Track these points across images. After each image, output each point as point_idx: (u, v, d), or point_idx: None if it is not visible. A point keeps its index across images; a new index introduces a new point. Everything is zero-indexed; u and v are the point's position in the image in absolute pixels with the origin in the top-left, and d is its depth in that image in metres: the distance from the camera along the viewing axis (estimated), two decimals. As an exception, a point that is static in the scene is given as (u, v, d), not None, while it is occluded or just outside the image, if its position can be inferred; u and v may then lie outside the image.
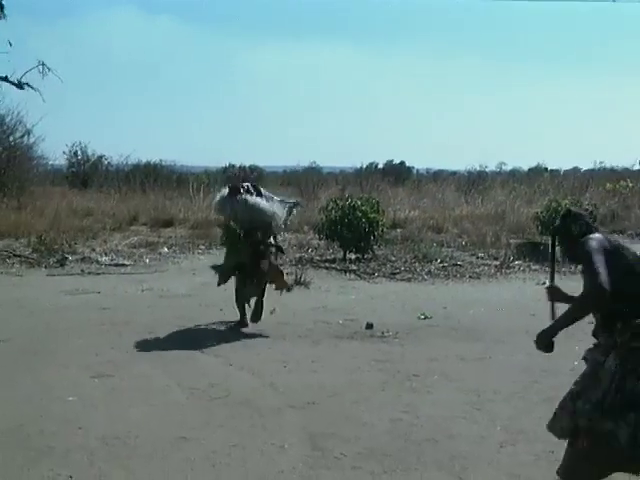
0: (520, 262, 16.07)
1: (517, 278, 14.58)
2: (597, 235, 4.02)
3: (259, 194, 10.01)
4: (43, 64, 5.36)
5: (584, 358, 4.14)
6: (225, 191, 10.12)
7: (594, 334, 4.10)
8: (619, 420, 3.78)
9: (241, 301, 9.94)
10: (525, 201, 26.17)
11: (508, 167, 47.75)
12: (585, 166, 49.91)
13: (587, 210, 4.00)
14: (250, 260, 9.66)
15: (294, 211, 11.00)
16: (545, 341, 4.00)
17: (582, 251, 3.94)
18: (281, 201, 10.43)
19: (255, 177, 10.10)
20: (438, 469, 5.42)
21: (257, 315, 9.88)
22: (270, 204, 9.93)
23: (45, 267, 15.66)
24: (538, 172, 44.66)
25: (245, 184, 10.18)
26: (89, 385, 7.49)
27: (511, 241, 18.68)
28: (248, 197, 9.76)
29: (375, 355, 8.66)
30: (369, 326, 9.89)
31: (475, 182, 33.54)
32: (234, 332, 9.65)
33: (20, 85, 5.50)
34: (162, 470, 5.42)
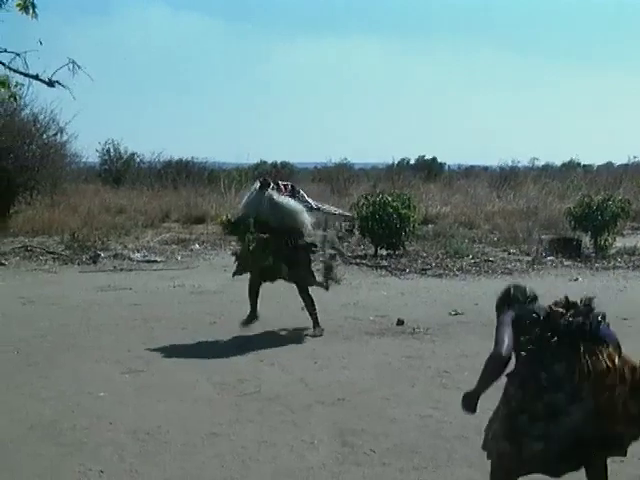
0: (552, 258, 15.94)
1: (549, 274, 14.45)
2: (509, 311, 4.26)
3: (293, 196, 9.73)
4: (73, 62, 5.44)
5: None
6: (256, 185, 9.78)
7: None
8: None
9: (253, 294, 9.61)
10: (557, 196, 25.97)
11: (541, 162, 47.09)
12: (619, 161, 49.30)
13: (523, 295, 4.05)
14: (273, 263, 9.32)
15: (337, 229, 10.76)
16: (470, 403, 4.20)
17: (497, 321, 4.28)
18: (319, 209, 10.20)
19: (285, 174, 9.78)
20: (468, 466, 5.39)
21: (314, 321, 9.59)
22: (299, 206, 9.57)
23: (78, 264, 15.78)
24: (571, 167, 44.22)
25: (283, 183, 9.99)
26: (120, 381, 7.54)
27: (543, 237, 18.51)
28: (274, 194, 9.46)
29: (406, 351, 8.64)
30: (400, 322, 9.86)
31: (507, 178, 33.31)
32: (246, 325, 9.49)
33: (51, 83, 5.56)
34: (192, 465, 5.44)
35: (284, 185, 9.86)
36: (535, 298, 4.34)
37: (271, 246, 9.25)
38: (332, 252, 10.11)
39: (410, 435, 6.02)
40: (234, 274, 9.80)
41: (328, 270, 9.91)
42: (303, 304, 9.60)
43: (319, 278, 9.79)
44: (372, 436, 5.98)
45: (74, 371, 7.82)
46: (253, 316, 9.55)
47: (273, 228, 9.31)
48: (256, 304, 9.56)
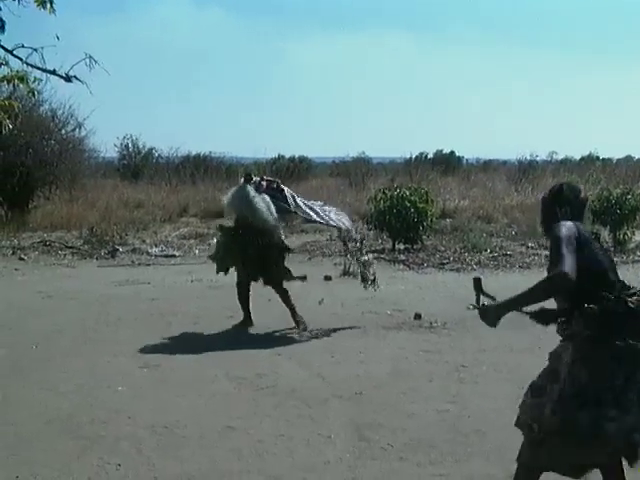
0: (570, 252, 15.85)
1: (567, 268, 14.38)
2: (569, 223, 3.96)
3: (273, 194, 9.53)
4: (90, 57, 5.44)
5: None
6: (241, 181, 9.61)
7: (557, 331, 4.17)
8: (578, 412, 3.79)
9: (243, 298, 9.48)
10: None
11: (559, 156, 46.90)
12: (638, 154, 49.02)
13: (580, 196, 3.83)
14: (252, 263, 9.26)
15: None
16: (496, 315, 4.03)
17: (552, 235, 3.91)
18: (311, 208, 9.92)
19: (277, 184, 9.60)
20: (486, 460, 5.38)
21: (299, 323, 9.39)
22: (266, 206, 9.26)
23: (96, 258, 15.86)
24: (590, 161, 43.92)
25: (267, 179, 9.84)
26: (138, 375, 7.57)
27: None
28: (250, 190, 9.26)
29: (423, 346, 8.63)
30: (417, 316, 9.85)
31: (525, 171, 33.22)
32: (240, 331, 9.36)
33: (68, 78, 5.55)
34: (210, 459, 5.45)
35: (267, 181, 9.72)
36: (586, 200, 4.23)
37: (239, 243, 9.28)
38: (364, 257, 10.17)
39: (427, 429, 6.01)
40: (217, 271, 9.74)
41: (364, 273, 9.99)
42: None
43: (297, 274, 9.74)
44: (389, 430, 5.97)
45: (92, 365, 7.85)
46: (247, 321, 9.45)
47: (249, 224, 9.21)
48: (248, 308, 9.48)
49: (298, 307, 9.50)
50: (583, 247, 3.87)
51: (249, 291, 9.49)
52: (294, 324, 9.36)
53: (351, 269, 13.24)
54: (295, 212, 9.81)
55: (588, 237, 4.00)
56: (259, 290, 9.50)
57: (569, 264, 3.70)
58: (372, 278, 9.95)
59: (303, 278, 9.79)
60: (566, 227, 3.90)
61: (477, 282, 4.28)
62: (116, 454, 5.53)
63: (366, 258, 10.17)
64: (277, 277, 9.42)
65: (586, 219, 4.28)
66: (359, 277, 10.09)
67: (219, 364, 7.90)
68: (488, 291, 4.19)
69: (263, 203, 9.24)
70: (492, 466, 5.27)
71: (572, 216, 4.06)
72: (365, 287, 9.95)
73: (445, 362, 7.94)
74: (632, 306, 3.80)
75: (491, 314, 4.05)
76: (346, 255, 10.31)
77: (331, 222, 10.12)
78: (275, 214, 9.36)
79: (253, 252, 9.15)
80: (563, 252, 3.77)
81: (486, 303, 4.10)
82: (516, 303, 3.97)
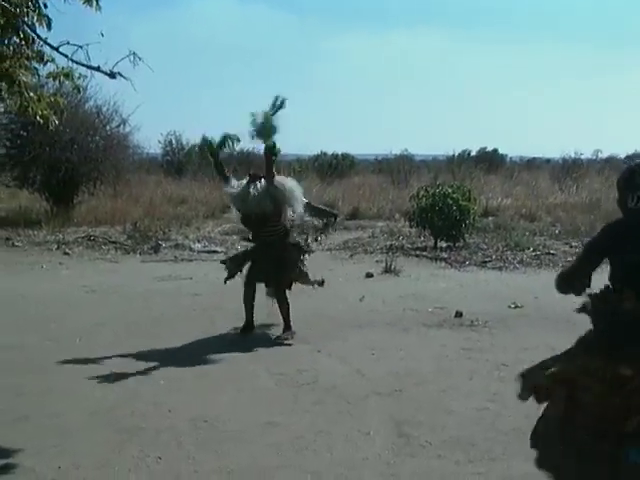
0: (615, 252, 15.69)
1: (611, 268, 14.24)
2: (612, 225, 3.89)
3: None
4: (134, 54, 5.48)
5: None
6: (243, 181, 9.23)
7: None
8: None
9: (250, 300, 9.13)
10: (622, 189, 25.56)
11: (604, 154, 46.44)
12: (686, 153, 48.31)
13: None
14: (262, 263, 8.99)
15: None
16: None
17: None
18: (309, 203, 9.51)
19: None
20: (525, 460, 5.32)
21: (286, 323, 9.05)
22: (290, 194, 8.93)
23: (139, 253, 16.00)
24: (635, 159, 43.44)
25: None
26: (180, 369, 7.62)
27: (606, 230, 18.25)
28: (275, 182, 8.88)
29: (464, 344, 8.59)
30: (458, 314, 9.81)
31: (570, 170, 32.93)
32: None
33: (112, 75, 5.60)
34: (249, 454, 5.48)
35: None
36: None
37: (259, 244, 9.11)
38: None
39: (466, 428, 5.99)
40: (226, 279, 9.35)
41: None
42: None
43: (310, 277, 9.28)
44: (428, 428, 5.96)
45: (134, 359, 7.92)
46: (249, 326, 9.13)
47: (256, 222, 8.94)
48: (252, 313, 9.12)
49: (340, 304, 9.51)
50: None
51: (255, 292, 9.13)
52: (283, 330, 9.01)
53: (393, 266, 13.24)
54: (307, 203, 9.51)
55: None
56: (302, 286, 9.47)
57: (563, 273, 3.84)
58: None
59: (321, 283, 9.41)
60: (603, 231, 3.88)
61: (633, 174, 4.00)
62: (156, 447, 5.58)
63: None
64: (289, 280, 9.09)
65: None
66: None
67: (260, 360, 7.95)
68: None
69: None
70: (531, 466, 5.20)
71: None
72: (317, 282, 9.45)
73: (486, 360, 7.90)
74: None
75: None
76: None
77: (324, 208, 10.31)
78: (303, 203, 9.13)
79: (273, 253, 8.87)
80: (574, 260, 3.82)
81: None
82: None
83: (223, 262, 9.58)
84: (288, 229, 9.14)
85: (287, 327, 9.00)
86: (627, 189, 3.82)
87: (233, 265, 9.31)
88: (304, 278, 9.16)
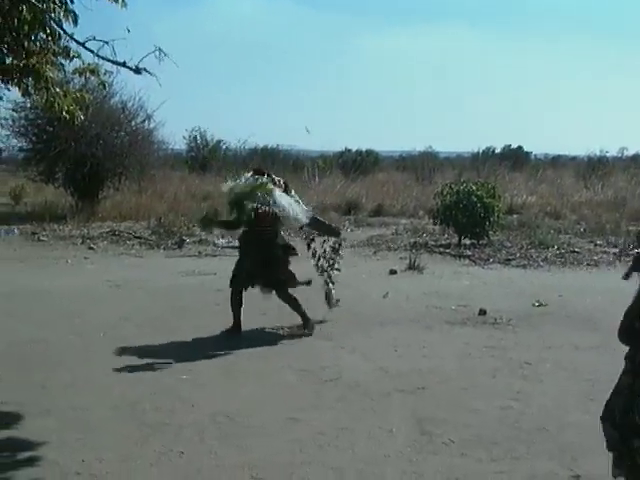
0: (641, 250, 15.61)
1: (637, 266, 14.14)
2: None
3: (286, 192, 9.13)
4: (160, 50, 5.49)
5: None
6: (248, 175, 9.14)
7: None
8: None
9: (237, 303, 8.99)
10: (647, 187, 25.42)
11: (630, 152, 46.11)
12: None
13: None
14: (264, 265, 8.80)
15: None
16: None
17: None
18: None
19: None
20: (548, 459, 5.33)
21: (303, 318, 8.97)
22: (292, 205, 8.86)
23: (163, 249, 16.06)
24: (662, 157, 43.14)
25: (276, 178, 9.24)
26: (202, 364, 7.65)
27: (631, 228, 18.16)
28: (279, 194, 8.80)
29: (487, 341, 8.56)
30: (482, 312, 9.78)
31: (595, 168, 32.75)
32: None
33: (137, 70, 5.62)
34: (271, 449, 5.49)
35: (278, 179, 9.24)
36: None
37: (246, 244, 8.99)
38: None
39: (489, 426, 5.97)
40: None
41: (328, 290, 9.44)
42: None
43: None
44: (451, 426, 5.94)
45: (157, 353, 7.96)
46: (237, 329, 8.95)
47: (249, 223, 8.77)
48: (240, 313, 8.96)
49: (364, 300, 9.48)
50: None
51: (242, 297, 8.99)
52: (301, 325, 8.97)
53: (416, 263, 13.20)
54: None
55: None
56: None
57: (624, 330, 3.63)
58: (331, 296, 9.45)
59: (308, 283, 9.29)
60: None
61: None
62: (179, 442, 5.60)
63: (335, 272, 9.55)
64: (283, 280, 9.01)
65: None
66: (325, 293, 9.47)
67: (283, 355, 7.96)
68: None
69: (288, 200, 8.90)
70: (554, 464, 5.22)
71: None
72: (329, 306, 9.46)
73: (509, 359, 7.87)
74: None
75: None
76: (316, 263, 9.50)
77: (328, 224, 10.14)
78: (304, 210, 9.08)
79: (258, 253, 8.79)
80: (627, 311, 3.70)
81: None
82: None
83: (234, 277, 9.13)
84: (279, 230, 9.05)
85: (305, 321, 8.97)
86: None
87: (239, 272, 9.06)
88: (292, 280, 9.06)
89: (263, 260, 8.76)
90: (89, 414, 6.16)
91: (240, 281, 8.95)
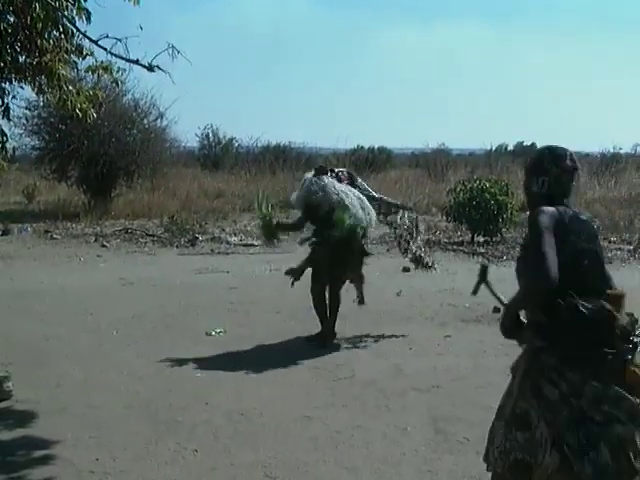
0: (655, 247, 15.53)
1: (652, 263, 14.10)
2: (550, 210, 3.39)
3: (353, 184, 8.85)
4: (173, 47, 5.48)
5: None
6: (309, 175, 8.93)
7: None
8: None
9: (323, 305, 8.63)
10: (661, 184, 25.30)
11: (644, 148, 45.82)
12: None
13: (563, 163, 3.26)
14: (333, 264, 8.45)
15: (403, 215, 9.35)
16: (506, 324, 3.73)
17: (529, 226, 3.41)
18: (381, 199, 9.20)
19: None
20: (565, 457, 5.28)
21: (328, 331, 8.54)
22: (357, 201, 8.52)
23: (176, 246, 16.08)
24: (676, 153, 42.85)
25: (338, 170, 9.00)
26: (216, 362, 7.63)
27: (645, 225, 18.08)
28: (336, 183, 8.54)
29: (502, 339, 8.42)
30: (496, 310, 9.71)
31: (608, 164, 32.58)
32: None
33: (151, 68, 5.60)
34: (286, 448, 5.47)
35: (340, 172, 8.96)
36: (573, 169, 3.56)
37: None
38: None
39: (505, 424, 5.93)
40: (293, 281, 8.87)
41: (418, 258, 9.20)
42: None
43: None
44: (466, 424, 5.91)
45: (171, 351, 7.95)
46: (330, 333, 8.57)
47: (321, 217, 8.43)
48: (326, 315, 8.64)
49: (377, 298, 9.43)
50: (561, 243, 3.35)
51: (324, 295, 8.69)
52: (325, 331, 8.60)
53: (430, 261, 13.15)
54: (380, 199, 9.20)
55: (570, 227, 3.44)
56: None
57: (549, 270, 3.23)
58: (428, 262, 9.24)
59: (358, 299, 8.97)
60: (547, 215, 3.37)
61: (483, 270, 4.09)
62: (193, 440, 5.59)
63: (418, 244, 9.34)
64: (347, 277, 8.78)
65: (574, 194, 3.64)
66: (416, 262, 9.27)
67: (297, 354, 7.94)
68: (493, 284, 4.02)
69: (355, 199, 8.56)
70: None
71: (554, 191, 3.55)
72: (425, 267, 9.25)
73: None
74: (584, 311, 3.32)
75: (503, 325, 3.77)
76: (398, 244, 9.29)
77: (397, 202, 9.81)
78: (371, 211, 8.71)
79: (329, 252, 8.43)
80: (543, 251, 3.27)
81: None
82: (508, 310, 3.66)
83: (287, 273, 9.02)
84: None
85: (329, 328, 8.57)
86: (534, 173, 3.61)
87: (297, 273, 8.89)
88: (360, 279, 8.90)
89: (333, 257, 8.42)
90: (103, 412, 6.16)
91: (317, 283, 8.67)
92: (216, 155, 37.90)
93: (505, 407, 3.72)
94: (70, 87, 6.20)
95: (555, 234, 3.35)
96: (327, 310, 8.58)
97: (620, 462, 3.28)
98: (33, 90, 6.36)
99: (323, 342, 8.36)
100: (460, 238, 17.00)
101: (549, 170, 3.56)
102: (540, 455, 3.39)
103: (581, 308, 3.33)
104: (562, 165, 3.56)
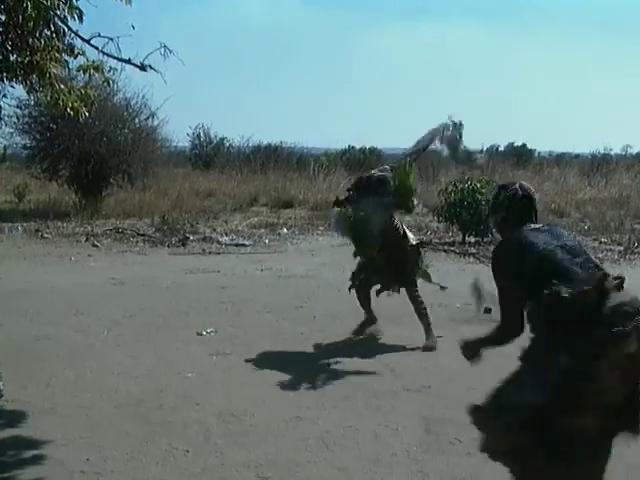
0: (645, 248, 15.57)
1: (642, 264, 14.14)
2: (504, 245, 3.96)
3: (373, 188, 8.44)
4: (165, 47, 5.48)
5: None
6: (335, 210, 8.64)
7: None
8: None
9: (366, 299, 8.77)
10: (652, 185, 25.40)
11: (634, 150, 46.17)
12: None
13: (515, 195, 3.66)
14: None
15: None
16: (471, 352, 4.24)
17: (492, 271, 3.99)
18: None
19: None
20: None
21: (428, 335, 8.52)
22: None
23: (167, 246, 16.05)
24: (667, 155, 43.12)
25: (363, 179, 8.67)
26: (208, 362, 7.63)
27: (635, 226, 18.13)
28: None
29: (493, 340, 8.50)
30: (487, 311, 9.68)
31: (599, 165, 32.75)
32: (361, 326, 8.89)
33: (143, 67, 5.60)
34: (276, 448, 5.47)
35: (357, 186, 8.65)
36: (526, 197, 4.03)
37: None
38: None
39: (496, 425, 5.94)
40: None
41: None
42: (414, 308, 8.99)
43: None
44: (457, 425, 5.90)
45: (162, 351, 7.95)
46: (371, 319, 8.80)
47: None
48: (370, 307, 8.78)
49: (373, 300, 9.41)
50: (530, 263, 3.76)
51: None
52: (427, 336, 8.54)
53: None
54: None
55: (529, 241, 3.83)
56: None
57: (509, 327, 3.98)
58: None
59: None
60: (500, 256, 3.96)
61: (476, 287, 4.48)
62: (184, 440, 5.58)
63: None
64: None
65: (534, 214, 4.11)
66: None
67: (288, 353, 7.95)
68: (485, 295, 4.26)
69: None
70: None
71: (518, 219, 3.99)
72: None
73: (515, 357, 7.82)
74: (566, 296, 3.55)
75: (468, 351, 4.29)
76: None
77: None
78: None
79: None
80: (504, 304, 3.96)
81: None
82: (484, 344, 4.19)
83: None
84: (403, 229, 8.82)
85: (427, 330, 8.55)
86: (492, 211, 4.22)
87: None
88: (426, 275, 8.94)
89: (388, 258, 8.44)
90: (94, 412, 6.14)
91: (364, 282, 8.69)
92: (207, 155, 37.95)
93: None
94: (62, 86, 6.19)
95: (514, 260, 3.82)
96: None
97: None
98: (24, 89, 6.36)
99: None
100: (451, 239, 17.02)
101: (502, 205, 4.09)
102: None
103: (563, 293, 3.54)
104: (512, 197, 4.05)
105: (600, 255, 14.79)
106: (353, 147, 41.77)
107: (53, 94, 6.13)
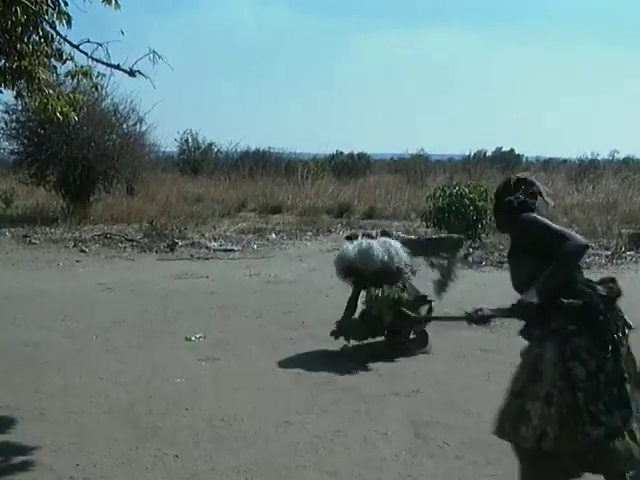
0: (632, 253, 15.61)
1: (629, 269, 14.18)
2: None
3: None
4: (154, 52, 5.48)
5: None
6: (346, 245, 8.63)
7: (523, 331, 4.27)
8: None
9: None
10: (638, 190, 25.47)
11: (621, 155, 46.23)
12: None
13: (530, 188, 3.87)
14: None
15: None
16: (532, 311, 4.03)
17: (533, 224, 4.02)
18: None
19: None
20: (544, 461, 5.31)
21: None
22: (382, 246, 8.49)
23: (156, 251, 16.03)
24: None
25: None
26: (197, 367, 7.62)
27: (623, 231, 18.16)
28: (363, 241, 8.46)
29: (482, 344, 8.55)
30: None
31: (586, 170, 32.86)
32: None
33: (132, 73, 5.61)
34: (266, 453, 5.47)
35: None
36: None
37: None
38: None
39: (484, 429, 5.90)
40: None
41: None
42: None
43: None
44: (446, 428, 5.94)
45: (151, 357, 7.94)
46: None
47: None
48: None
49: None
50: None
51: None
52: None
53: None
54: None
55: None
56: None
57: (576, 235, 3.92)
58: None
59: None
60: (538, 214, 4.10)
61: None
62: (174, 445, 5.58)
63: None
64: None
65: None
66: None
67: (277, 358, 7.92)
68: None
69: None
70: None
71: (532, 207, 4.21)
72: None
73: (504, 361, 7.85)
74: (604, 294, 3.92)
75: (527, 311, 4.11)
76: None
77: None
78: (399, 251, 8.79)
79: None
80: (561, 230, 3.96)
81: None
82: (546, 285, 3.96)
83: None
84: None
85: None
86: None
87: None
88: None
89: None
90: (83, 418, 6.14)
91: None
92: (195, 160, 37.93)
93: (537, 390, 3.97)
94: (50, 91, 6.19)
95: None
96: None
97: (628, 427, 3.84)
98: (13, 94, 6.35)
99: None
100: (439, 244, 17.04)
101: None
102: (557, 426, 3.83)
103: (600, 291, 3.93)
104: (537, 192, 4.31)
105: (588, 260, 14.83)
106: (341, 152, 41.82)
107: (42, 99, 6.13)
